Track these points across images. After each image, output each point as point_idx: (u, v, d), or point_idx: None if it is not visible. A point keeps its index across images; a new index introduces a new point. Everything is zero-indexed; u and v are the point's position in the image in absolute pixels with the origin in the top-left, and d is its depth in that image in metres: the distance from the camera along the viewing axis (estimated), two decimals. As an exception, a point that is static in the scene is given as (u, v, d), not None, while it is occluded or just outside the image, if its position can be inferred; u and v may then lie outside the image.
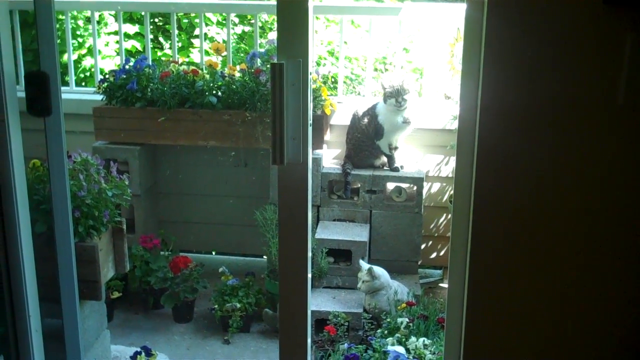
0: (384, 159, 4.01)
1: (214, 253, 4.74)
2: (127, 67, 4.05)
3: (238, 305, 3.61)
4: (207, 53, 4.63)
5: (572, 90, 1.61)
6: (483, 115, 1.66)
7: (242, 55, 5.95)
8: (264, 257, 4.04)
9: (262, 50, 4.08)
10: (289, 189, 1.94)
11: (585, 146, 1.64)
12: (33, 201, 2.47)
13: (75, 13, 6.02)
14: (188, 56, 6.22)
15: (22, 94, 2.25)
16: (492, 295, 1.78)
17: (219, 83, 3.96)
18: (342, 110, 4.14)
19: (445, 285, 4.13)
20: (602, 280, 1.72)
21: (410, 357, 2.98)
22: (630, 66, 1.56)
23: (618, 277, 1.71)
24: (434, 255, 4.30)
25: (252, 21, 6.02)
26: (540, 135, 1.65)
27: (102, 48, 5.99)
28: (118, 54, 5.94)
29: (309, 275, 2.04)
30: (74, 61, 5.27)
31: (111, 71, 4.12)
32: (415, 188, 3.92)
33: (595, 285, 1.72)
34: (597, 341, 1.77)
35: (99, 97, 4.10)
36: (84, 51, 6.23)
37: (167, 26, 6.46)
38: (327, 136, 4.16)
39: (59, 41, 2.48)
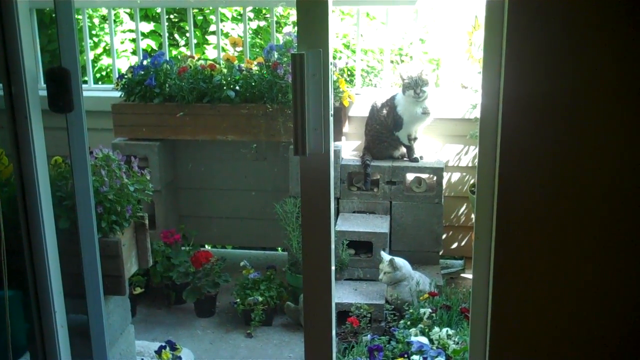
0: (403, 149, 3.99)
1: (229, 247, 4.75)
2: (144, 63, 4.06)
3: (260, 299, 3.62)
4: (222, 49, 4.63)
5: (596, 80, 1.59)
6: (505, 106, 1.64)
7: (257, 50, 5.96)
8: (284, 250, 4.03)
9: (279, 44, 4.08)
10: (311, 180, 1.93)
11: (609, 137, 1.62)
12: (56, 198, 2.49)
13: (90, 12, 6.05)
14: (203, 53, 6.23)
15: (43, 93, 2.26)
16: (517, 285, 1.76)
17: (237, 77, 3.96)
18: (360, 102, 4.13)
19: (466, 275, 4.11)
20: (629, 270, 1.69)
21: (434, 348, 2.97)
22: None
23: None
24: (455, 245, 4.29)
25: (267, 15, 6.03)
26: (563, 125, 1.63)
27: (117, 47, 6.00)
28: (133, 53, 5.97)
29: (332, 267, 2.04)
30: (91, 60, 5.29)
31: (129, 67, 4.13)
32: (435, 178, 3.90)
33: (622, 275, 1.70)
34: (625, 331, 1.75)
35: (117, 93, 4.12)
36: (99, 50, 6.26)
37: (182, 23, 6.48)
38: (346, 128, 4.15)
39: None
